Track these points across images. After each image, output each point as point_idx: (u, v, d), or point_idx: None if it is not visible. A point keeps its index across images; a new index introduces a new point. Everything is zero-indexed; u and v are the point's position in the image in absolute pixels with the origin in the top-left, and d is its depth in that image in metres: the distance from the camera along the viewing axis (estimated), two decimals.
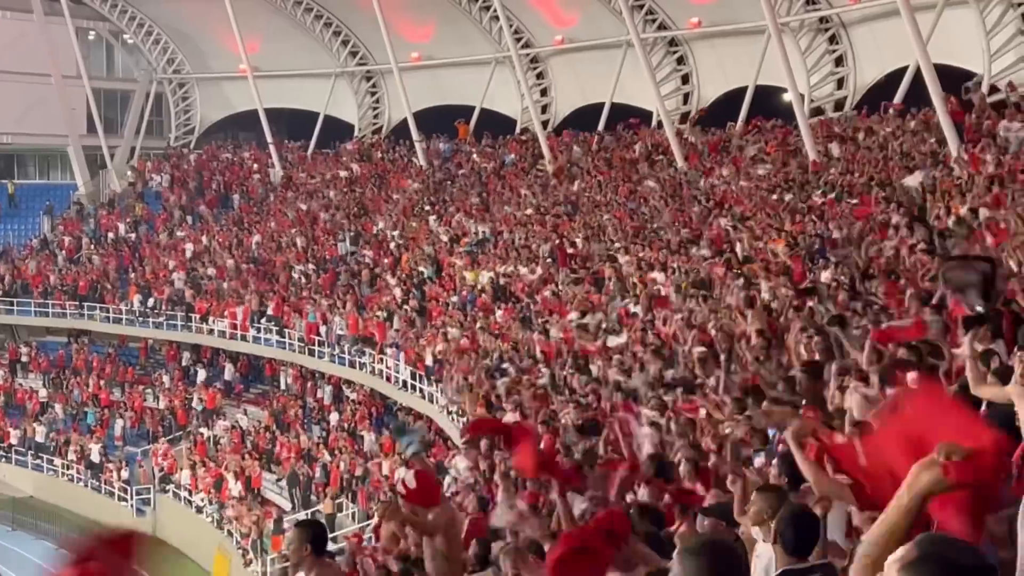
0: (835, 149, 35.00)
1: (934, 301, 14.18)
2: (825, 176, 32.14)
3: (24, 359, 50.86)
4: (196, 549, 39.46)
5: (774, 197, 31.61)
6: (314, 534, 7.98)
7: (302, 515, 36.00)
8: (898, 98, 39.02)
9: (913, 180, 26.98)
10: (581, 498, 11.36)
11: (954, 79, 34.68)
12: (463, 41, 53.24)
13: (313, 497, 37.81)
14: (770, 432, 11.91)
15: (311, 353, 41.36)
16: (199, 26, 57.88)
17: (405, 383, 35.96)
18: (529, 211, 41.25)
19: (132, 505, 42.17)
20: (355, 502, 35.97)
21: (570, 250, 35.16)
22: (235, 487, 39.46)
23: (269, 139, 56.02)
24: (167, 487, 42.09)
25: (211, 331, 45.57)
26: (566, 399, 21.26)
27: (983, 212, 20.89)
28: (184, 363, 47.82)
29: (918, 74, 33.90)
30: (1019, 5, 37.27)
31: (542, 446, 13.93)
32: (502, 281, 36.23)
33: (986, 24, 37.66)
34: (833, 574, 6.24)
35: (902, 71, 39.33)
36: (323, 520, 31.59)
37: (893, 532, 3.78)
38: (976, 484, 4.21)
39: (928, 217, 22.64)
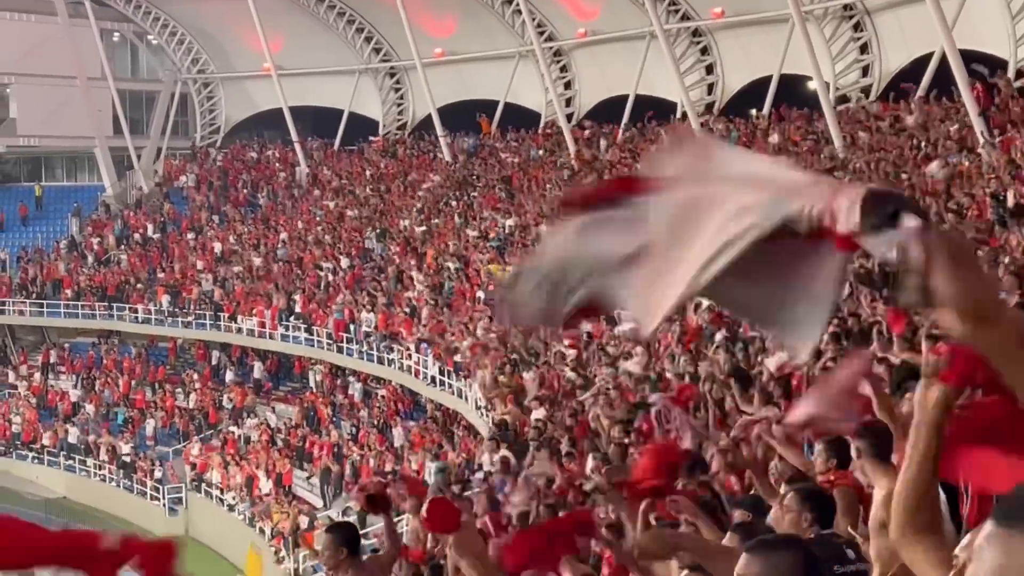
0: (863, 137, 34.84)
1: None
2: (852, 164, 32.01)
3: (54, 360, 51.17)
4: (229, 547, 39.65)
5: None
6: (347, 536, 8.00)
7: (334, 512, 36.07)
8: (923, 85, 38.78)
9: (936, 168, 26.81)
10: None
11: (980, 64, 34.41)
12: (486, 35, 53.19)
13: (344, 494, 37.87)
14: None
15: (339, 350, 41.44)
16: (222, 26, 58.02)
17: (434, 379, 35.99)
18: (555, 205, 41.22)
19: (164, 504, 42.36)
20: None
21: None
22: (266, 485, 39.59)
23: (294, 137, 56.15)
24: (199, 486, 42.25)
25: (239, 330, 45.71)
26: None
27: (1010, 197, 20.79)
28: (213, 362, 47.99)
29: (944, 60, 33.69)
30: None
31: None
32: None
33: (1011, 9, 37.39)
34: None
35: (928, 57, 39.10)
36: (355, 517, 31.65)
37: (918, 487, 3.31)
38: (985, 383, 3.41)
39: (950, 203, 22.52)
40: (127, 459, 44.12)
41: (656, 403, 15.27)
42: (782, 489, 8.01)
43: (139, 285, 50.40)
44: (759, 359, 17.07)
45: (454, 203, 46.57)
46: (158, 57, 61.60)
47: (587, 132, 48.50)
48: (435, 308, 38.35)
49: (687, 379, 17.69)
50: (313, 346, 42.88)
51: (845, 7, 43.80)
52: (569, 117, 49.84)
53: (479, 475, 21.44)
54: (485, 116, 53.54)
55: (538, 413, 23.75)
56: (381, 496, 9.21)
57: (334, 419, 41.77)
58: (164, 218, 55.79)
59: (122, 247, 54.38)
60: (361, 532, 12.40)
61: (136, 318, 49.32)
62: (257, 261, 48.30)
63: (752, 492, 9.38)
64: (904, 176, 27.58)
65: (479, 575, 8.16)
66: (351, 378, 42.84)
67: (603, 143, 46.50)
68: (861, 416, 6.43)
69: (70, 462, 45.51)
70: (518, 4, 47.67)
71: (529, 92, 53.67)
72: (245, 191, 56.57)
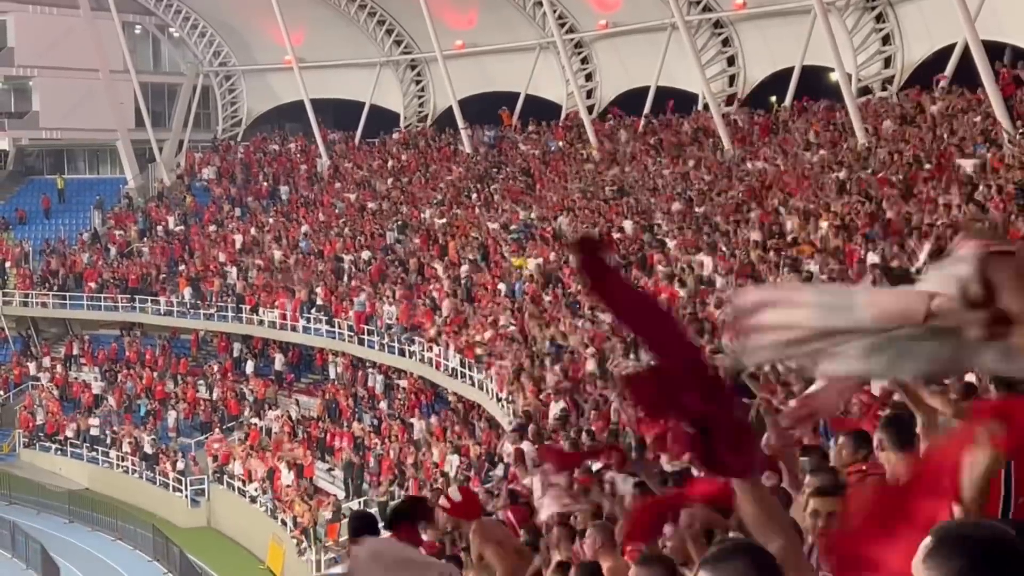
0: (888, 127, 34.71)
1: None
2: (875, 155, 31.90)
3: (77, 352, 51.39)
4: (251, 539, 39.79)
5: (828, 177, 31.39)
6: (357, 526, 8.04)
7: (356, 503, 36.17)
8: (946, 76, 38.63)
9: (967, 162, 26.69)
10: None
11: (1004, 55, 34.26)
12: (507, 27, 53.17)
13: (366, 485, 37.95)
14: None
15: (360, 342, 41.46)
16: (244, 18, 58.12)
17: (455, 371, 36.00)
18: (576, 196, 41.20)
19: (187, 496, 42.50)
20: (407, 490, 36.00)
21: (616, 235, 35.07)
22: (288, 477, 39.67)
23: (315, 130, 56.19)
24: (221, 478, 42.37)
25: (261, 322, 45.79)
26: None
27: None
28: (235, 354, 48.11)
29: (967, 51, 33.54)
30: None
31: None
32: (550, 267, 36.19)
33: None
34: None
35: (950, 48, 38.93)
36: (376, 508, 31.73)
37: None
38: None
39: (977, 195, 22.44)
40: (149, 451, 44.28)
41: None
42: (806, 480, 8.00)
43: (161, 278, 50.56)
44: None
45: (475, 195, 46.57)
46: (180, 50, 61.76)
47: (608, 123, 48.51)
48: (456, 300, 38.33)
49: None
50: (334, 338, 42.94)
51: None
52: (590, 109, 49.81)
53: (500, 468, 21.46)
54: (506, 109, 53.52)
55: (557, 405, 23.77)
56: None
57: (355, 411, 41.82)
58: (186, 211, 55.92)
59: (144, 240, 54.54)
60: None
61: (158, 310, 49.47)
62: (278, 254, 48.37)
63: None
64: (928, 167, 27.47)
65: (503, 562, 8.16)
66: (371, 370, 42.83)
67: (623, 135, 46.43)
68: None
69: (93, 454, 45.72)
70: None
71: (550, 84, 53.66)
72: (266, 184, 56.65)
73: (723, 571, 3.46)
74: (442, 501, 10.11)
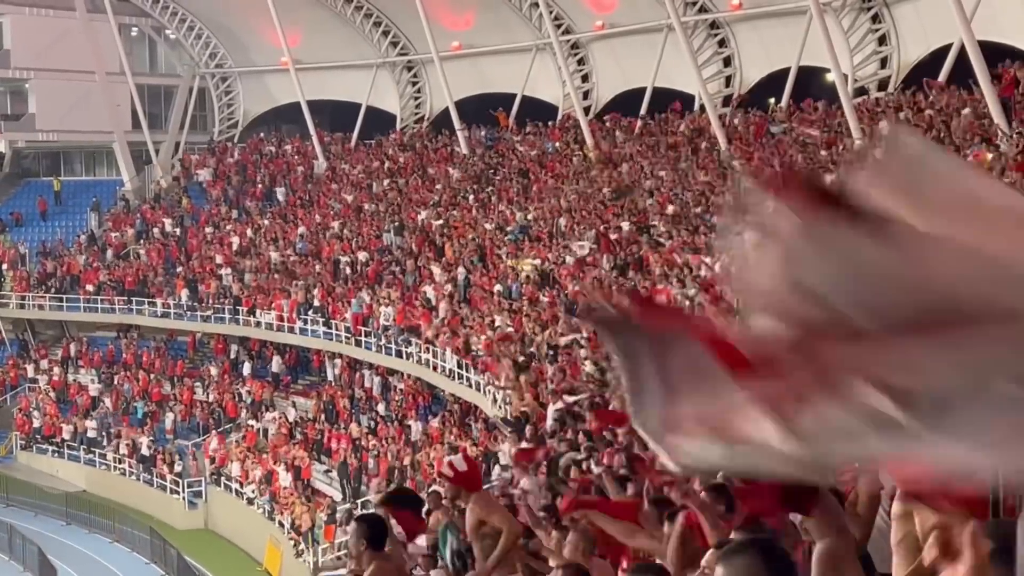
0: (884, 127, 34.67)
1: None
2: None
3: (74, 355, 51.33)
4: (248, 541, 39.75)
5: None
6: (370, 529, 8.01)
7: (353, 505, 36.11)
8: (943, 76, 38.65)
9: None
10: None
11: (1000, 56, 34.26)
12: (503, 29, 53.17)
13: (364, 487, 37.92)
14: None
15: (358, 343, 41.44)
16: (240, 19, 58.09)
17: (451, 372, 36.00)
18: (573, 197, 41.19)
19: (184, 498, 42.46)
20: None
21: (613, 236, 35.06)
22: (285, 478, 39.64)
23: (312, 131, 56.18)
24: (218, 479, 42.34)
25: (258, 323, 45.75)
26: None
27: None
28: (232, 356, 48.06)
29: (963, 51, 33.55)
30: None
31: None
32: (546, 268, 36.19)
33: None
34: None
35: (947, 48, 38.95)
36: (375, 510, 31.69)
37: None
38: None
39: None
40: (146, 453, 44.25)
41: None
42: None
43: (158, 279, 50.53)
44: None
45: (471, 197, 46.55)
46: (176, 51, 61.73)
47: (607, 123, 48.49)
48: (453, 302, 38.31)
49: None
50: (331, 339, 42.90)
51: None
52: (586, 110, 49.79)
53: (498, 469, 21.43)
54: (503, 111, 53.49)
55: (554, 407, 23.76)
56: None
57: (353, 412, 41.79)
58: (182, 212, 55.87)
59: (141, 241, 54.51)
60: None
61: (155, 312, 49.42)
62: (275, 255, 48.35)
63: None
64: None
65: (512, 525, 8.22)
66: (366, 371, 42.80)
67: (619, 135, 46.41)
68: None
69: (90, 456, 45.69)
70: None
71: (546, 85, 53.68)
72: (263, 185, 56.62)
73: (736, 565, 3.54)
74: (445, 469, 10.17)
